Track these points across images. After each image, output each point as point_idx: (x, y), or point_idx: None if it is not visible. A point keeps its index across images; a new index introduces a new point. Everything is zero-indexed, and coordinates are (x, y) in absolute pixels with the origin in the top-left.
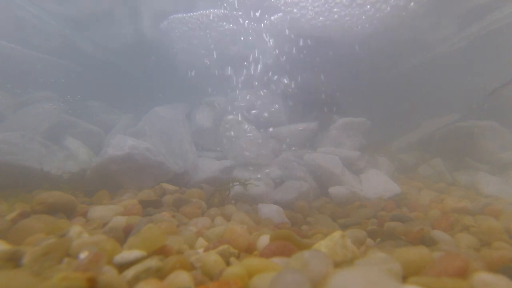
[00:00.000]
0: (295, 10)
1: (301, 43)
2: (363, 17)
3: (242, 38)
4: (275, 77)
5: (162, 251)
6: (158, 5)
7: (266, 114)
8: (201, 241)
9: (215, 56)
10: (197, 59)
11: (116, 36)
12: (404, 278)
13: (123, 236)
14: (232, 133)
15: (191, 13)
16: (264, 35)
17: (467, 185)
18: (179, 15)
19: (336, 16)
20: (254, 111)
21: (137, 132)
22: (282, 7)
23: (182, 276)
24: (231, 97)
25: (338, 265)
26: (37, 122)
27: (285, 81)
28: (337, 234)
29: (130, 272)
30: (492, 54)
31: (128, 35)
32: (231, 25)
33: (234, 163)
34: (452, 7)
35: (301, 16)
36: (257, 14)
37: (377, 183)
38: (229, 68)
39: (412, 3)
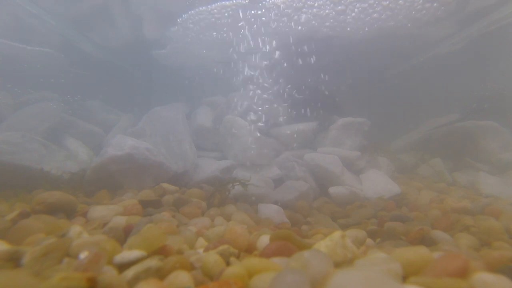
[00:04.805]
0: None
1: (302, 43)
2: (361, 18)
3: (242, 37)
4: (276, 77)
5: (162, 251)
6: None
7: (266, 114)
8: (201, 241)
9: (215, 57)
10: (198, 59)
11: (116, 35)
12: (404, 278)
13: (123, 236)
14: (232, 133)
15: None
16: (264, 35)
17: (467, 185)
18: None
19: (333, 12)
20: (254, 111)
21: (137, 132)
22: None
23: (182, 276)
24: (231, 97)
25: (338, 265)
26: (37, 122)
27: (285, 81)
28: (337, 234)
29: (130, 272)
30: (492, 54)
31: (127, 35)
32: (229, 20)
33: (234, 163)
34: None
35: (303, 17)
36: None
37: (377, 183)
38: (230, 68)
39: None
